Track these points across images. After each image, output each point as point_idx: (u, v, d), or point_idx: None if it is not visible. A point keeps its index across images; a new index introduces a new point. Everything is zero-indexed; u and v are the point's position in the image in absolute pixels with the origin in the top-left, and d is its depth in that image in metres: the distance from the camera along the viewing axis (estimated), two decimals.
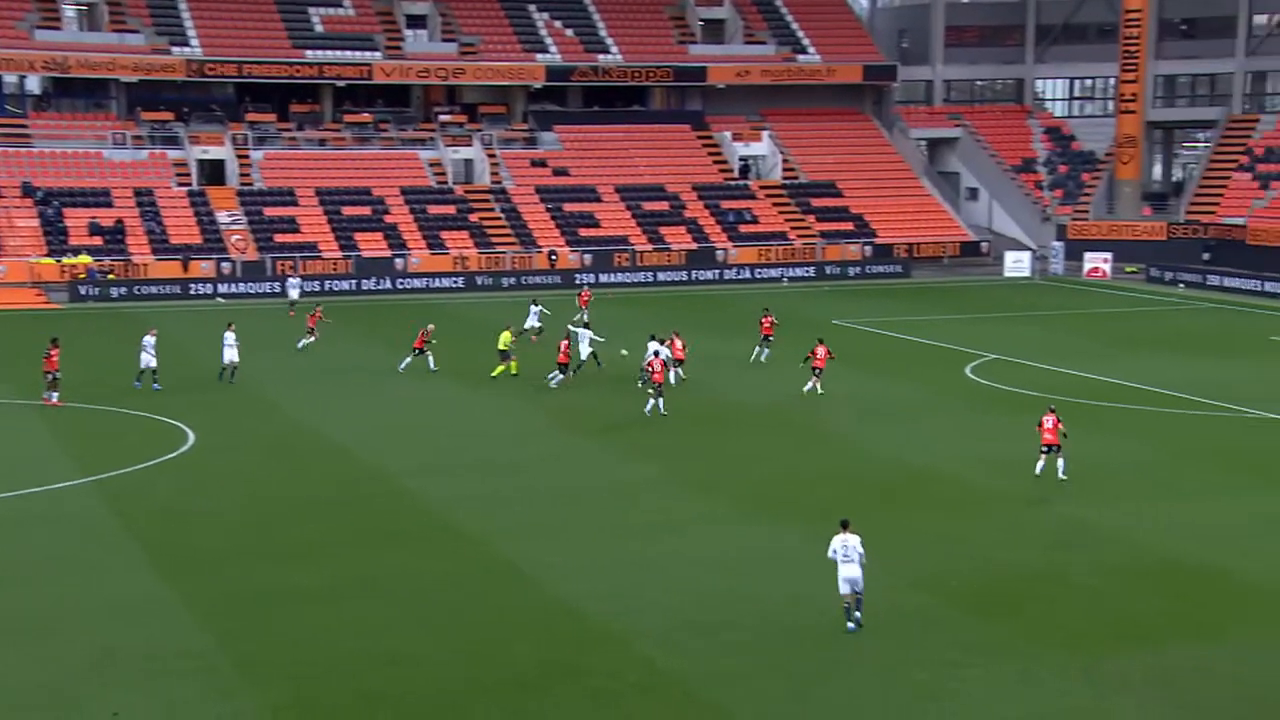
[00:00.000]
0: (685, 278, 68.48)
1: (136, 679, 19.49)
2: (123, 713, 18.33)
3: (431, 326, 43.29)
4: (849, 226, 74.70)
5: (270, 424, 35.95)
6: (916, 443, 33.89)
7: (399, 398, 39.43)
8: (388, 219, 69.59)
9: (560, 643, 20.86)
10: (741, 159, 78.77)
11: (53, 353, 37.53)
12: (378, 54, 76.15)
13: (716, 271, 69.31)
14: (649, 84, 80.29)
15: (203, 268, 64.10)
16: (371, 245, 67.64)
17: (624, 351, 42.68)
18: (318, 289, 61.32)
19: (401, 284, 64.92)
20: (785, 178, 77.94)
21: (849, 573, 21.12)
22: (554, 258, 68.54)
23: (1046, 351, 47.23)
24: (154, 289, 62.01)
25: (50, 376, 37.39)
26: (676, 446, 33.43)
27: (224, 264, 64.52)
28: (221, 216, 67.85)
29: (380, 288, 64.41)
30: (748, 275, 69.40)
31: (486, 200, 72.29)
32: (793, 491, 29.30)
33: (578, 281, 64.87)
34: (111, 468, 30.88)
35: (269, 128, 74.37)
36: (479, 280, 65.83)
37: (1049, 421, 29.80)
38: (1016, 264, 71.56)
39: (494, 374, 41.29)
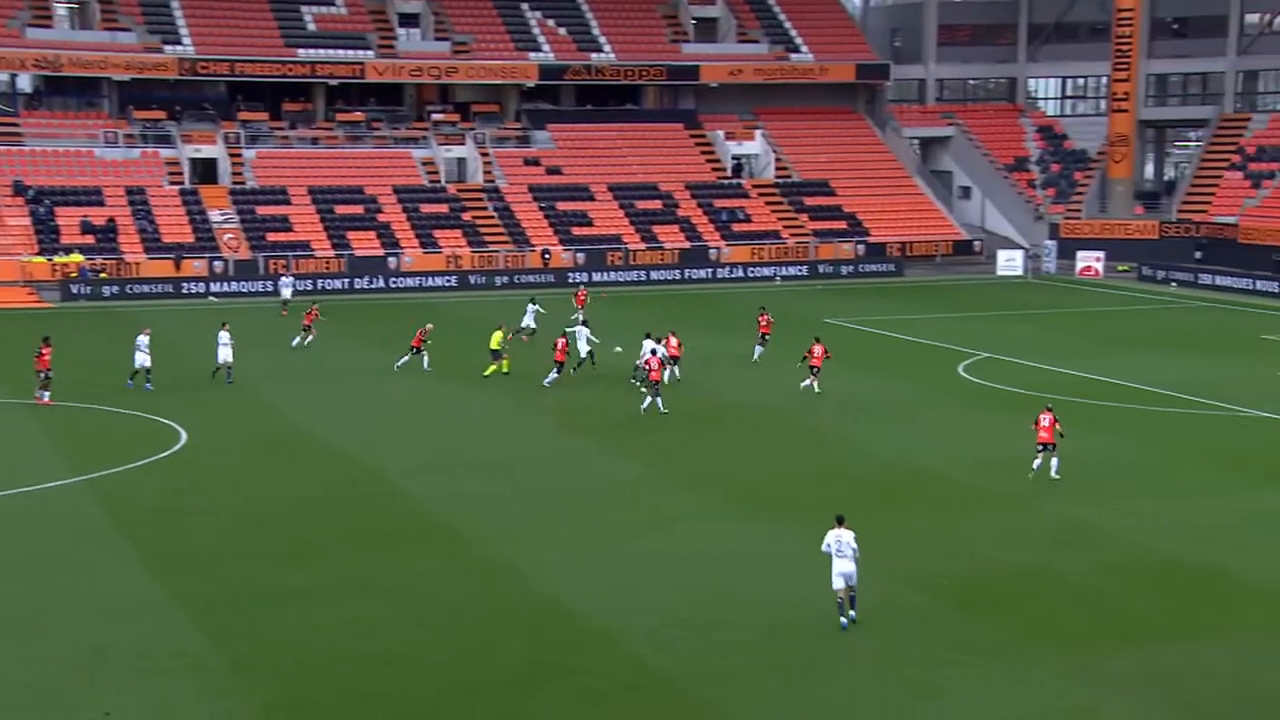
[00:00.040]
0: (678, 276, 68.48)
1: (128, 678, 19.46)
2: (114, 712, 18.30)
3: (430, 326, 43.30)
4: (842, 225, 74.73)
5: (263, 423, 35.91)
6: (909, 441, 33.91)
7: (392, 397, 39.39)
8: (380, 218, 69.52)
9: (552, 641, 20.86)
10: (734, 158, 78.78)
11: (44, 352, 37.46)
12: (370, 53, 76.07)
13: (709, 270, 69.32)
14: (642, 83, 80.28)
15: (195, 267, 63.99)
16: (364, 244, 67.57)
17: (617, 349, 42.70)
18: (310, 288, 61.26)
19: (394, 283, 64.86)
20: (778, 176, 77.96)
21: (843, 568, 21.16)
22: (547, 256, 68.51)
23: (1039, 350, 47.29)
24: (146, 288, 61.90)
25: (42, 375, 37.31)
26: (669, 445, 33.43)
27: (216, 263, 64.42)
28: (214, 215, 67.75)
29: (373, 287, 64.34)
30: (741, 274, 69.42)
31: (479, 199, 72.25)
32: (785, 490, 29.31)
33: (571, 280, 65.06)
34: (103, 467, 30.82)
35: (261, 126, 74.26)
36: (472, 279, 65.78)
37: (1046, 420, 29.82)
38: (1009, 263, 71.62)
39: (486, 373, 41.28)
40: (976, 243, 75.73)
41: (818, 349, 39.13)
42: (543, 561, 24.47)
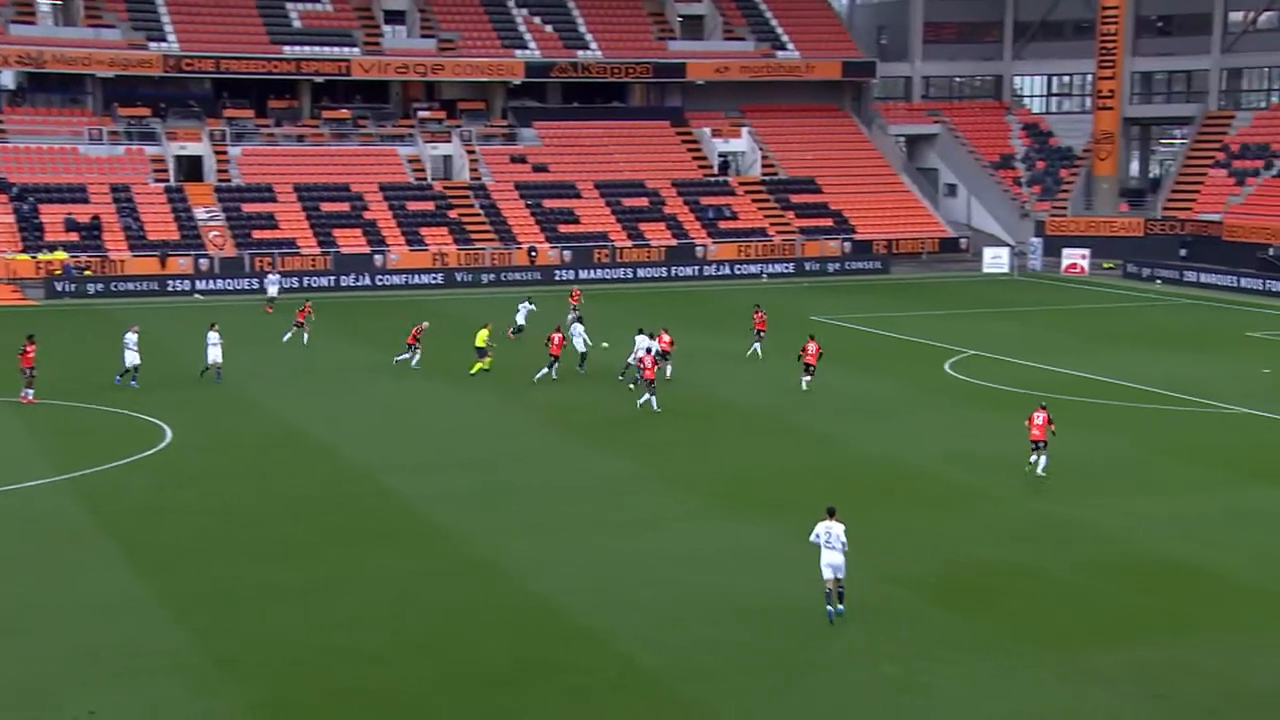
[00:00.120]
0: (665, 274, 68.50)
1: (113, 677, 19.40)
2: (99, 712, 18.25)
3: (426, 324, 43.30)
4: (828, 223, 74.81)
5: (249, 421, 35.82)
6: (896, 438, 33.95)
7: (379, 395, 39.33)
8: (367, 215, 69.40)
9: (538, 640, 20.85)
10: (721, 155, 78.80)
11: (29, 349, 37.31)
12: (356, 50, 75.91)
13: (696, 268, 69.35)
14: (628, 80, 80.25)
15: (180, 264, 63.81)
16: (350, 242, 67.45)
17: (604, 344, 42.71)
18: (296, 285, 61.13)
19: (381, 280, 64.76)
20: (765, 174, 78.00)
21: (831, 559, 21.24)
22: (534, 254, 68.46)
23: (1025, 347, 47.39)
24: (131, 285, 61.68)
25: (26, 374, 37.17)
26: (658, 443, 33.43)
27: (202, 260, 64.25)
28: (199, 213, 67.56)
29: (359, 284, 64.21)
30: (727, 271, 69.46)
31: (466, 197, 72.16)
32: (772, 488, 29.33)
33: (557, 278, 65.19)
34: (87, 465, 30.72)
35: (247, 124, 74.07)
36: (458, 277, 65.71)
37: (1040, 418, 29.88)
38: (995, 260, 71.75)
39: (473, 371, 41.24)
40: (962, 240, 75.86)
41: (812, 346, 39.17)
42: (530, 559, 24.45)
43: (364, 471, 30.57)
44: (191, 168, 71.12)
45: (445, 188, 72.65)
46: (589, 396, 38.81)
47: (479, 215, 70.90)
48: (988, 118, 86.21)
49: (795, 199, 76.14)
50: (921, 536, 25.83)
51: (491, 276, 65.98)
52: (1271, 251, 67.30)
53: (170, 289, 61.91)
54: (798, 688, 19.15)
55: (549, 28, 80.00)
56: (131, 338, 39.54)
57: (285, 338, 47.02)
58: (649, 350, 38.14)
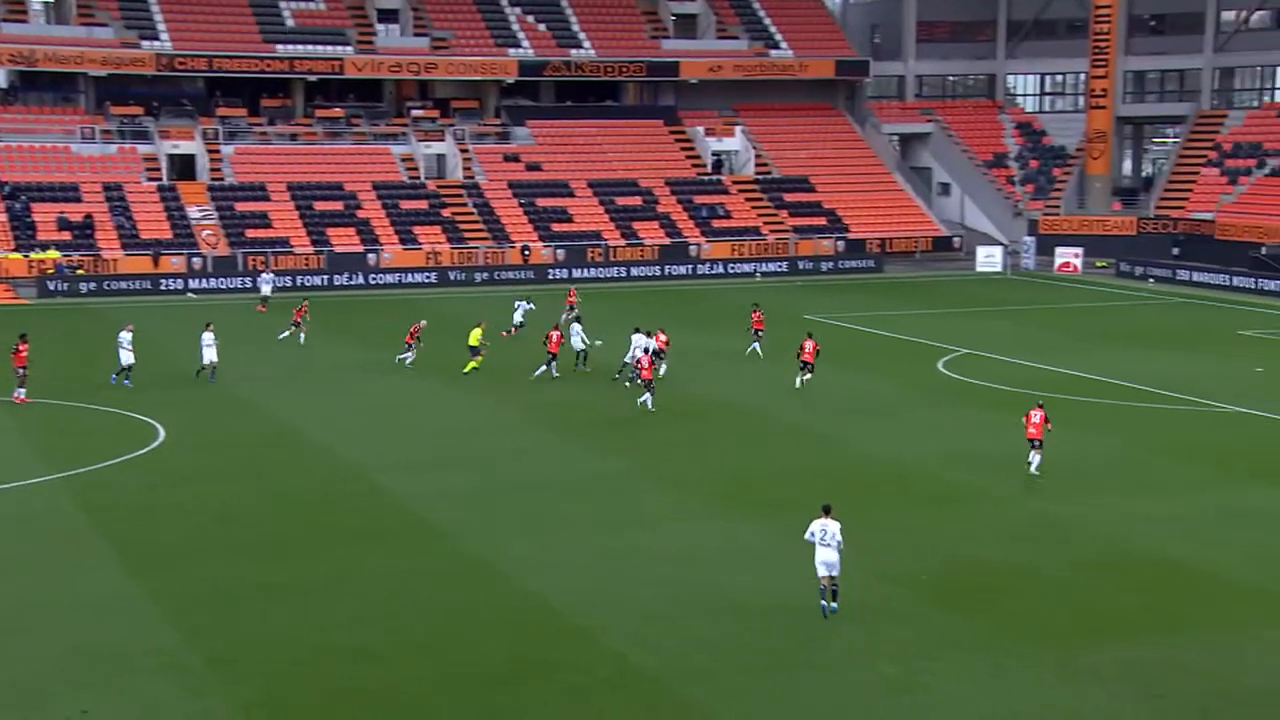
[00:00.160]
0: (658, 273, 68.50)
1: (106, 677, 19.36)
2: (93, 711, 18.21)
3: (424, 323, 43.29)
4: (821, 221, 74.84)
5: (242, 420, 35.76)
6: (889, 437, 33.97)
7: (372, 394, 39.28)
8: (360, 214, 69.33)
9: (532, 639, 20.83)
10: (714, 154, 78.80)
11: (21, 349, 37.23)
12: (349, 48, 75.81)
13: (689, 266, 69.35)
14: (622, 79, 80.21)
15: (173, 263, 63.70)
16: (344, 240, 67.37)
17: (598, 341, 42.73)
18: (290, 284, 61.05)
19: (374, 279, 64.69)
20: (758, 173, 78.01)
21: (826, 556, 21.28)
22: (527, 253, 68.43)
23: (1018, 346, 47.44)
24: (124, 284, 61.55)
25: (19, 373, 37.09)
26: (652, 441, 33.42)
27: (195, 259, 64.14)
28: (192, 212, 67.46)
29: (353, 283, 64.13)
30: (721, 270, 69.46)
31: (459, 195, 72.10)
32: (766, 486, 29.33)
33: (550, 276, 65.21)
34: (80, 465, 30.65)
35: (240, 122, 73.96)
36: (452, 275, 65.66)
37: (1037, 417, 29.91)
38: (988, 259, 71.82)
39: (466, 370, 41.21)
40: (956, 239, 75.92)
41: (809, 344, 39.20)
42: (527, 558, 24.43)
43: (359, 470, 30.53)
44: (184, 166, 71.00)
45: (439, 187, 72.59)
46: (586, 395, 38.79)
47: (472, 214, 70.85)
48: (981, 117, 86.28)
49: (789, 198, 76.16)
50: (915, 535, 25.85)
51: (485, 275, 65.93)
52: (1264, 250, 67.40)
53: (163, 288, 61.79)
54: (790, 685, 19.15)
55: (542, 26, 79.95)
56: (126, 336, 39.47)
57: (282, 336, 47.06)
58: (647, 350, 38.11)
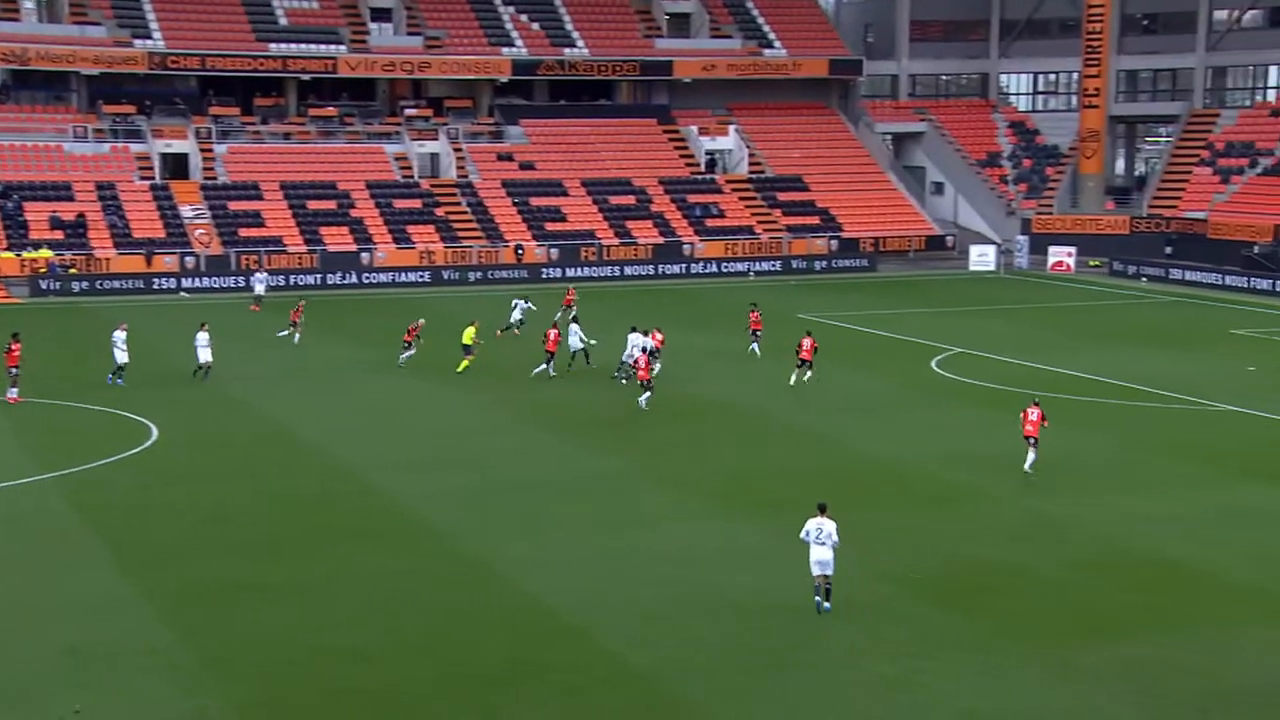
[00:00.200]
0: (652, 272, 68.48)
1: (100, 676, 19.31)
2: (87, 710, 18.14)
3: (422, 321, 43.26)
4: (815, 220, 74.85)
5: (236, 419, 35.69)
6: (883, 436, 33.98)
7: (366, 393, 39.23)
8: (353, 213, 69.23)
9: (528, 639, 20.80)
10: (708, 153, 78.80)
11: (13, 348, 37.15)
12: (342, 47, 75.71)
13: (683, 266, 69.34)
14: (615, 78, 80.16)
15: (166, 262, 63.57)
16: (337, 240, 67.28)
17: (592, 341, 42.69)
18: (283, 283, 60.96)
19: (367, 278, 64.63)
20: (751, 172, 78.02)
21: (820, 555, 21.31)
22: (520, 252, 68.39)
23: (1011, 345, 47.47)
24: (116, 284, 61.43)
25: (12, 372, 36.99)
26: (648, 441, 33.40)
27: (188, 258, 64.02)
28: (185, 211, 67.34)
29: (346, 282, 64.07)
30: (714, 270, 69.45)
31: (453, 194, 72.03)
32: (761, 486, 29.32)
33: (544, 276, 65.22)
34: (73, 464, 30.58)
35: (233, 121, 73.84)
36: (445, 275, 65.61)
37: (1034, 414, 29.94)
38: (981, 258, 71.87)
39: (459, 369, 41.17)
40: (949, 238, 75.95)
41: (807, 341, 39.22)
42: (524, 558, 24.39)
43: (354, 470, 30.48)
44: (177, 165, 70.87)
45: (432, 185, 72.51)
46: (583, 395, 38.75)
47: (466, 213, 70.79)
48: (974, 116, 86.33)
49: (782, 197, 76.16)
50: (909, 534, 25.84)
51: (478, 274, 65.89)
52: (1256, 249, 67.54)
53: (156, 287, 61.67)
54: (785, 684, 19.14)
55: (536, 26, 79.89)
56: (119, 335, 39.40)
57: (281, 334, 46.97)
58: (645, 349, 38.08)
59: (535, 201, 72.33)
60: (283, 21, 76.45)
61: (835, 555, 21.40)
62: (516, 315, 48.29)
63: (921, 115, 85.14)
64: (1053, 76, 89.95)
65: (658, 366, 40.10)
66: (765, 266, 69.91)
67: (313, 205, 69.07)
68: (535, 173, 74.60)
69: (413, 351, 42.23)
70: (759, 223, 73.78)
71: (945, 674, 19.55)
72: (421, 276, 65.04)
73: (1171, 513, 27.51)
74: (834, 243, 73.11)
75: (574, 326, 42.65)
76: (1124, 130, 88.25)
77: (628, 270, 68.24)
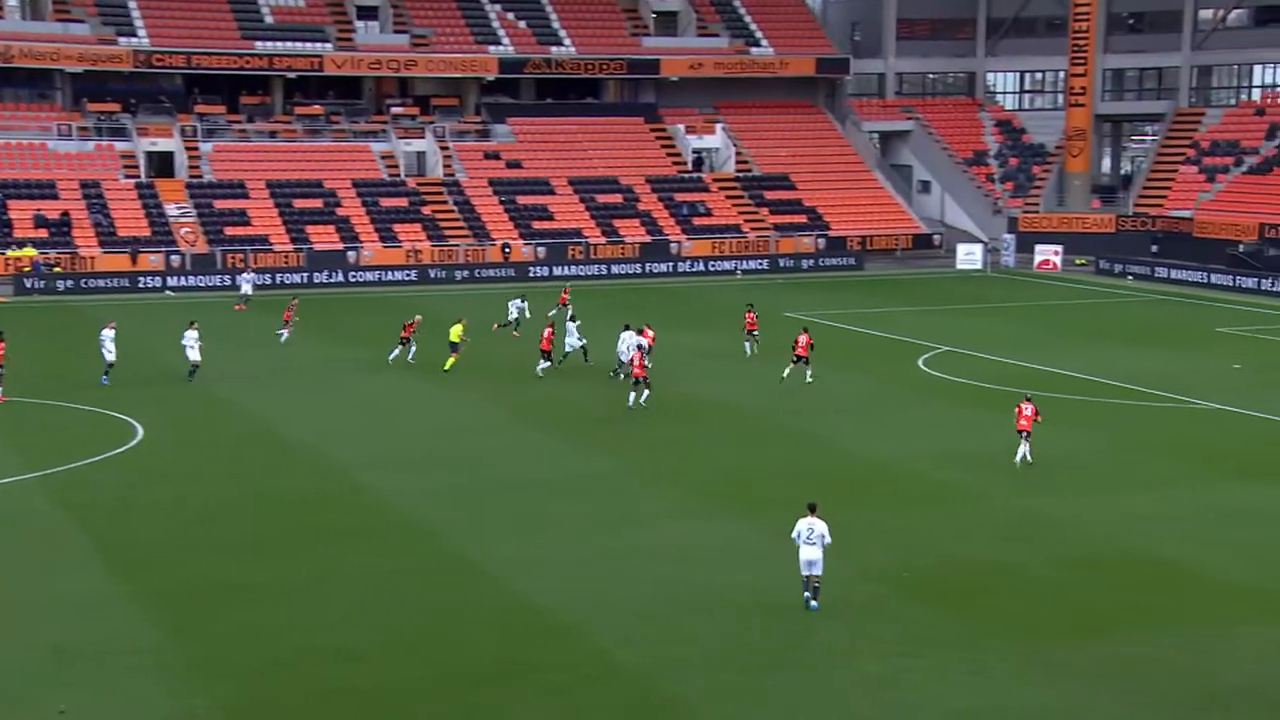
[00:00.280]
0: (639, 270, 68.42)
1: (87, 676, 19.19)
2: (73, 711, 18.02)
3: (419, 318, 43.17)
4: (802, 219, 74.87)
5: (222, 418, 35.55)
6: (870, 435, 33.99)
7: (354, 392, 39.11)
8: (340, 212, 69.05)
9: (517, 638, 20.73)
10: (695, 151, 78.76)
11: None
12: (329, 45, 75.49)
13: (670, 264, 69.30)
14: (602, 76, 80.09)
15: (151, 261, 63.32)
16: (323, 238, 67.09)
17: (582, 341, 42.67)
18: (269, 282, 60.76)
19: (354, 277, 64.46)
20: (739, 170, 78.00)
21: (809, 555, 21.32)
22: (507, 251, 68.27)
23: (998, 343, 47.52)
24: (101, 282, 61.16)
25: None
26: (640, 439, 33.35)
27: (173, 257, 63.77)
28: (170, 209, 67.08)
29: (332, 281, 63.88)
30: (702, 268, 69.43)
31: (439, 193, 71.88)
32: (749, 484, 29.29)
33: (531, 274, 65.18)
34: (58, 463, 30.42)
35: (218, 120, 73.58)
36: (432, 273, 65.48)
37: (1028, 410, 30.00)
38: (968, 256, 71.95)
39: (445, 367, 41.06)
40: (936, 236, 76.04)
41: (803, 338, 39.23)
42: (512, 557, 24.31)
43: (342, 469, 30.37)
44: (162, 164, 70.61)
45: (419, 184, 72.35)
46: (575, 394, 38.67)
47: (453, 212, 70.64)
48: (961, 114, 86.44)
49: (769, 195, 76.16)
50: (896, 532, 25.83)
51: (465, 273, 65.77)
52: (1241, 248, 67.73)
53: (141, 286, 61.40)
54: (773, 682, 19.10)
55: (522, 24, 79.75)
56: (107, 334, 39.23)
57: (280, 333, 46.65)
58: (639, 347, 38.01)
59: (522, 200, 72.22)
60: (269, 19, 76.21)
61: (824, 555, 21.38)
62: (513, 315, 48.23)
63: (908, 114, 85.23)
64: (1039, 75, 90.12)
65: (649, 364, 40.04)
66: (753, 265, 69.89)
67: (299, 204, 68.86)
68: (522, 171, 74.49)
69: (414, 348, 42.08)
70: (746, 221, 73.75)
71: (935, 673, 19.53)
72: (408, 275, 64.90)
73: (1162, 511, 27.54)
74: (821, 241, 73.14)
75: (571, 325, 42.60)
76: (1110, 129, 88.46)
77: (615, 269, 68.17)
